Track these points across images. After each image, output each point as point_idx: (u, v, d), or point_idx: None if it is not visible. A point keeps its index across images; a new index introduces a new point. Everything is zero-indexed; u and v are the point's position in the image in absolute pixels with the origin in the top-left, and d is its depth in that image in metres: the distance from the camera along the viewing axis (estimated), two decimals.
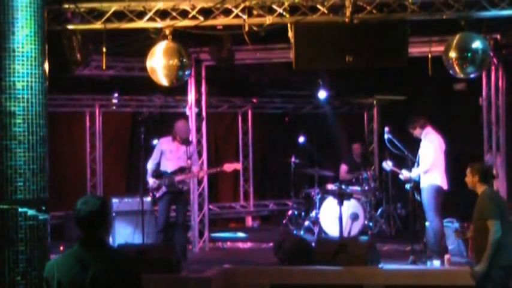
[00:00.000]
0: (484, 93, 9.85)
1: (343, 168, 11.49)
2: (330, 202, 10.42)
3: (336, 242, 8.45)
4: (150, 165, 8.86)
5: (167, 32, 7.62)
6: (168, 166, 8.81)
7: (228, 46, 9.44)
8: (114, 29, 7.68)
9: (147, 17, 7.57)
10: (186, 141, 8.86)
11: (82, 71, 9.82)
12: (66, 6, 7.53)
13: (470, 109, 10.34)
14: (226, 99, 13.48)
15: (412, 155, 8.66)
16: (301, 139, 12.67)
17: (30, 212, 6.29)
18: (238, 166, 9.25)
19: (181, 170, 8.76)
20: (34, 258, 6.27)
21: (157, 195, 8.79)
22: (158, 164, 8.88)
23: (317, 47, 7.59)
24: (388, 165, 9.03)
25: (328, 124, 13.90)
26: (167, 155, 8.83)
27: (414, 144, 8.72)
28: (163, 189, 8.74)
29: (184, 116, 10.28)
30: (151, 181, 8.78)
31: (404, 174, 8.76)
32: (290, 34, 7.47)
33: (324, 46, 7.59)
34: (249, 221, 13.76)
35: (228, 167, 8.99)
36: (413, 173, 8.58)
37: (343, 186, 10.52)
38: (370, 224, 10.82)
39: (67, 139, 12.50)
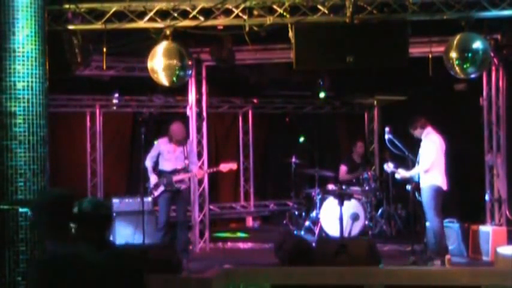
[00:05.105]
0: (484, 93, 9.85)
1: (343, 169, 11.49)
2: (331, 202, 10.41)
3: (337, 242, 8.44)
4: (149, 163, 8.97)
5: (168, 32, 7.62)
6: (166, 166, 8.96)
7: (228, 46, 9.44)
8: (115, 29, 7.68)
9: (147, 17, 7.58)
10: (182, 142, 8.94)
11: (82, 72, 9.82)
12: (67, 6, 7.54)
13: (471, 109, 10.34)
14: (227, 99, 13.48)
15: (412, 155, 8.66)
16: (302, 139, 12.68)
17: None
18: (235, 166, 9.32)
19: (179, 170, 8.89)
20: (35, 258, 6.27)
21: (156, 193, 8.89)
22: (156, 163, 9.00)
23: (317, 47, 7.59)
24: (389, 167, 9.02)
25: (328, 124, 13.92)
26: (165, 155, 8.97)
27: (415, 145, 8.72)
28: (161, 188, 8.87)
29: (184, 117, 10.30)
30: (152, 178, 8.87)
31: (401, 173, 8.76)
32: (290, 34, 7.47)
33: (324, 46, 7.59)
34: (250, 221, 13.75)
35: (224, 167, 9.17)
36: (411, 172, 8.58)
37: (344, 187, 10.52)
38: (371, 224, 10.82)
39: (67, 139, 12.49)
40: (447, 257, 8.21)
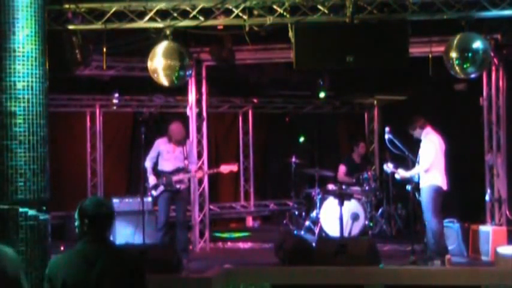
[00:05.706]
0: (484, 93, 9.84)
1: (342, 169, 11.48)
2: (331, 202, 10.41)
3: (337, 242, 8.44)
4: (148, 163, 8.99)
5: (168, 32, 7.62)
6: (165, 166, 8.96)
7: (228, 46, 9.45)
8: (115, 29, 7.68)
9: (147, 17, 7.58)
10: (181, 142, 8.94)
11: (82, 71, 9.82)
12: (67, 6, 7.53)
13: (471, 109, 10.34)
14: (227, 99, 13.48)
15: (412, 155, 8.66)
16: (302, 139, 12.67)
17: (31, 212, 6.29)
18: (235, 168, 9.33)
19: (178, 170, 8.89)
20: (35, 258, 6.27)
21: (155, 194, 8.90)
22: (156, 164, 9.02)
23: (317, 47, 7.59)
24: (388, 167, 9.02)
25: (328, 124, 13.92)
26: (164, 155, 8.97)
27: (415, 145, 8.72)
28: (161, 188, 8.88)
29: (183, 117, 10.30)
30: (151, 179, 8.88)
31: (400, 173, 8.77)
32: (290, 34, 7.47)
33: (324, 46, 7.58)
34: (250, 221, 13.76)
35: (225, 169, 9.17)
36: (410, 172, 8.58)
37: (344, 187, 10.52)
38: (371, 224, 10.81)
39: (68, 139, 12.49)
40: (447, 257, 8.21)
